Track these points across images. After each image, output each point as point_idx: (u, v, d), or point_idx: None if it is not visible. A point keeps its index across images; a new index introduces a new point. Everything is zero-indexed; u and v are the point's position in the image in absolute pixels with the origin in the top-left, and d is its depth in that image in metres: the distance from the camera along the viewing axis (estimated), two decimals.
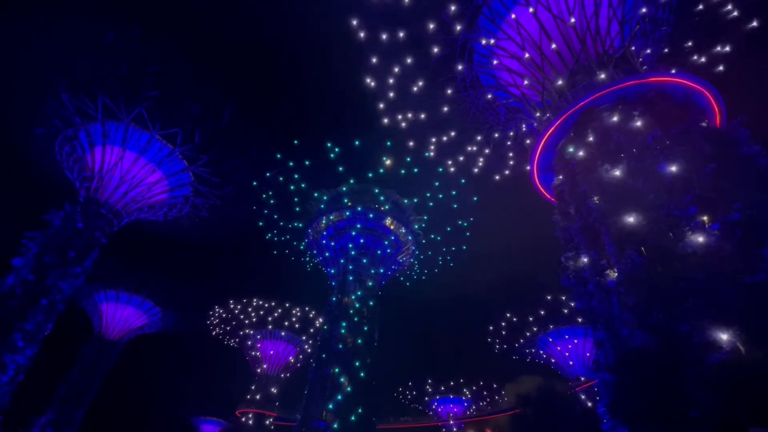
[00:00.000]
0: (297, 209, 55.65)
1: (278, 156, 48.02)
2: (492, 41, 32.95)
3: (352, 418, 42.88)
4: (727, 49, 33.09)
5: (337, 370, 45.54)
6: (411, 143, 41.74)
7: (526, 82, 33.41)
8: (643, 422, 15.56)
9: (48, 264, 33.86)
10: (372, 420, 45.29)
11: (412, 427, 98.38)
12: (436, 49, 34.29)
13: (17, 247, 34.31)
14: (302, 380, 49.03)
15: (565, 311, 62.38)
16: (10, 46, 36.58)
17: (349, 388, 44.50)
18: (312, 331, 75.86)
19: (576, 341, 64.49)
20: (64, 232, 35.72)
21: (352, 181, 55.87)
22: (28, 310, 32.18)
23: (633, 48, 30.66)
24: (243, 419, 73.07)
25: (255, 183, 48.40)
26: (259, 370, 76.90)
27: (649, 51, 32.02)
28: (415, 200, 54.63)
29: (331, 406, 43.34)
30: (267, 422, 72.85)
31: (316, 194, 56.06)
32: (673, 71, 26.17)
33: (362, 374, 45.86)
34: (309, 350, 77.29)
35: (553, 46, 30.64)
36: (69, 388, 53.56)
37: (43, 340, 33.64)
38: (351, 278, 53.43)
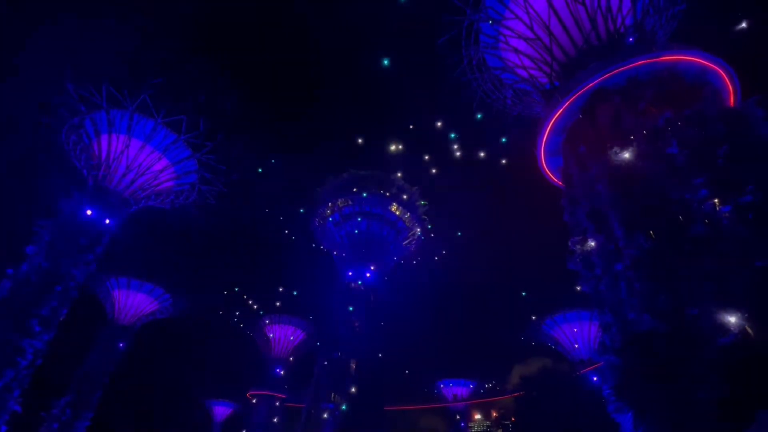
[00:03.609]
0: (303, 196, 55.74)
1: (283, 143, 47.87)
2: (499, 21, 32.10)
3: (359, 399, 43.78)
4: (744, 25, 31.95)
5: (344, 353, 46.33)
6: (415, 127, 41.32)
7: (533, 64, 32.64)
8: (650, 404, 15.68)
9: (60, 251, 34.44)
10: (379, 401, 46.26)
11: (419, 409, 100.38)
12: (441, 31, 33.55)
13: (29, 235, 34.91)
14: (311, 363, 50.06)
15: (571, 295, 62.47)
16: (15, 36, 36.46)
17: (356, 371, 45.33)
18: (320, 315, 76.97)
19: (581, 325, 64.73)
20: (74, 220, 36.21)
21: (357, 167, 55.66)
22: (43, 297, 32.94)
23: (645, 26, 29.67)
24: (254, 401, 74.97)
25: (260, 170, 48.48)
26: (269, 354, 78.48)
27: (662, 29, 31.00)
28: (420, 186, 54.41)
29: (338, 389, 44.25)
30: (277, 404, 74.74)
31: (321, 180, 56.00)
32: (687, 49, 25.33)
33: (369, 357, 46.64)
34: (317, 334, 78.57)
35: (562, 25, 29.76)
36: (85, 372, 55.16)
37: (58, 326, 34.51)
38: (357, 263, 53.80)
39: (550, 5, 29.73)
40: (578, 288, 26.01)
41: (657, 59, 24.93)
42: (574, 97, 27.35)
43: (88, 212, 36.81)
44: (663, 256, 18.90)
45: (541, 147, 31.03)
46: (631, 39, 28.45)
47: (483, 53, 35.64)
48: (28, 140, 45.63)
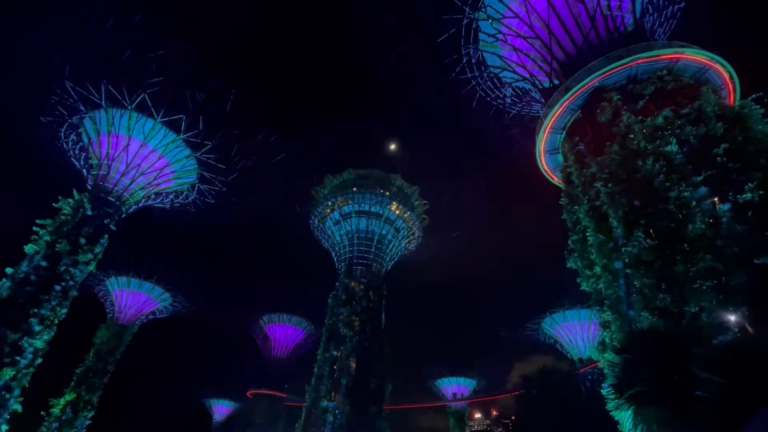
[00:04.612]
0: (302, 194, 55.74)
1: (283, 141, 47.79)
2: (498, 19, 32.09)
3: (360, 398, 43.84)
4: (744, 22, 31.90)
5: (344, 352, 46.37)
6: (416, 127, 41.29)
7: (533, 62, 32.63)
8: (649, 402, 15.71)
9: (59, 251, 34.43)
10: (379, 400, 46.31)
11: (419, 408, 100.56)
12: (441, 30, 33.51)
13: (29, 234, 34.88)
14: (311, 362, 50.15)
15: (571, 294, 62.52)
16: (13, 34, 36.40)
17: (356, 370, 45.39)
18: (320, 315, 77.06)
19: (581, 323, 64.84)
20: (74, 220, 36.19)
21: (357, 167, 55.69)
22: (42, 296, 32.94)
23: (645, 24, 29.68)
24: (254, 400, 75.08)
25: (260, 169, 48.37)
26: (269, 353, 78.58)
27: (661, 27, 31.00)
28: (420, 185, 54.41)
29: (339, 388, 44.31)
30: (277, 403, 74.82)
31: (321, 179, 56.04)
32: (686, 47, 25.32)
33: (369, 356, 46.69)
34: (317, 333, 78.73)
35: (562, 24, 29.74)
36: (85, 371, 55.26)
37: (59, 325, 34.50)
38: (357, 262, 53.84)
39: (550, 4, 29.73)
40: (578, 286, 26.01)
41: (656, 57, 24.96)
42: (573, 95, 27.39)
43: (88, 212, 36.79)
44: (662, 254, 18.93)
45: (541, 145, 31.06)
46: (630, 38, 28.41)
47: (482, 52, 35.64)
48: (28, 140, 45.58)
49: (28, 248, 34.00)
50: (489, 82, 37.38)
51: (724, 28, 32.18)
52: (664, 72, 24.77)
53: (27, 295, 32.36)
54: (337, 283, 53.52)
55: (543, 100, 33.17)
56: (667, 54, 24.95)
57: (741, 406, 12.66)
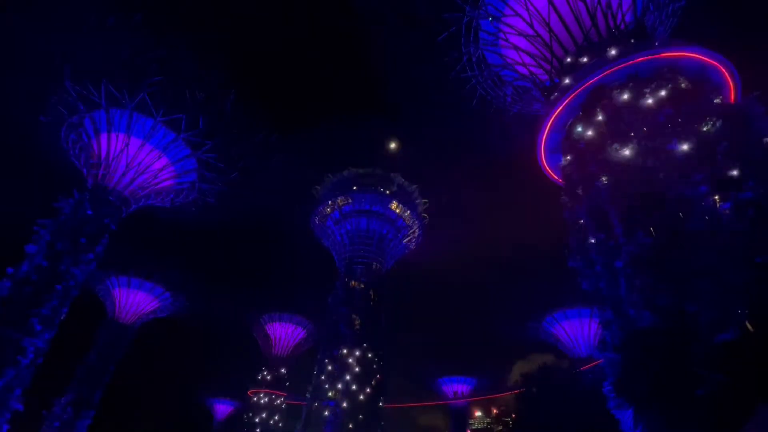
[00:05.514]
0: (303, 193, 55.76)
1: (283, 141, 47.79)
2: (499, 17, 32.03)
3: (360, 397, 43.91)
4: (746, 21, 31.83)
5: (344, 351, 46.43)
6: (416, 126, 41.29)
7: (533, 61, 32.57)
8: (650, 401, 15.72)
9: (60, 251, 34.43)
10: (379, 399, 46.38)
11: (419, 406, 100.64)
12: (441, 28, 33.45)
13: (29, 234, 34.88)
14: (311, 361, 50.21)
15: (572, 293, 62.52)
16: (13, 34, 36.36)
17: (356, 369, 45.44)
18: (320, 313, 77.07)
19: (582, 322, 64.84)
20: (74, 219, 36.19)
21: (357, 166, 55.70)
22: (43, 296, 32.97)
23: (646, 23, 29.62)
24: (255, 399, 75.17)
25: (260, 168, 48.36)
26: (269, 352, 78.65)
27: (662, 25, 30.94)
28: (420, 184, 54.39)
29: (339, 386, 44.36)
30: (278, 402, 74.94)
31: (321, 179, 56.06)
32: (687, 46, 25.27)
33: (369, 354, 46.74)
34: (317, 332, 78.75)
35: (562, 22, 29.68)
36: (86, 370, 55.32)
37: (59, 325, 34.55)
38: (357, 261, 53.85)
39: (551, 2, 29.67)
40: (578, 285, 25.99)
41: (657, 56, 24.91)
42: (574, 94, 27.32)
43: (88, 211, 36.79)
44: (663, 252, 18.91)
45: (541, 144, 31.00)
46: (631, 36, 28.37)
47: (483, 50, 35.57)
48: (28, 139, 45.55)
49: (29, 248, 34.01)
50: (489, 81, 37.32)
51: (725, 27, 32.10)
52: (665, 70, 24.72)
53: (28, 295, 32.37)
54: (337, 282, 53.54)
55: (544, 99, 33.13)
56: (667, 52, 24.90)
57: (741, 405, 12.67)
